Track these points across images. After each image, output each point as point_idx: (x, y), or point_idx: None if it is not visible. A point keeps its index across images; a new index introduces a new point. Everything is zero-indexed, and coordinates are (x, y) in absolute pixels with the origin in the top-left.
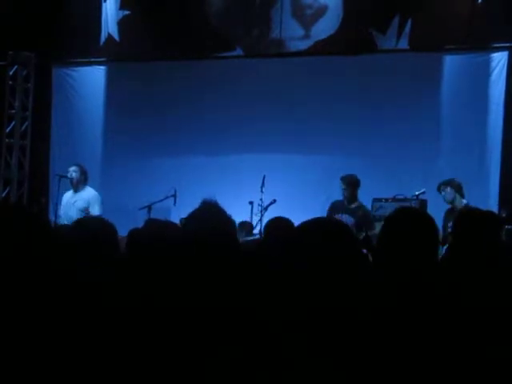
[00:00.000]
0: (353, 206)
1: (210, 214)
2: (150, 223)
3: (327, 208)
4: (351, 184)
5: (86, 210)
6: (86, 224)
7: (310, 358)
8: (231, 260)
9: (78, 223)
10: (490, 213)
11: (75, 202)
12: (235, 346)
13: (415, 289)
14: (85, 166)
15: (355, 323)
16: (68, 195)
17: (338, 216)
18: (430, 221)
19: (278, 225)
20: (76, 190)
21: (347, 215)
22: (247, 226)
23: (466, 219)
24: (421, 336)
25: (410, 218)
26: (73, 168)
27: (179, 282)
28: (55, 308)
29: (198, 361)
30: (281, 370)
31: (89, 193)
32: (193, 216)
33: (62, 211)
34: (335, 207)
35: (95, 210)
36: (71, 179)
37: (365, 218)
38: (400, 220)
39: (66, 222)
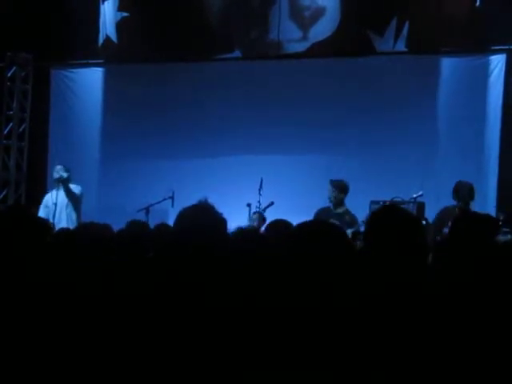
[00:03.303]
0: (339, 210)
1: (201, 213)
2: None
3: (313, 216)
4: (340, 189)
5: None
6: (86, 227)
7: (305, 356)
8: (219, 258)
9: (79, 227)
10: (488, 215)
11: (64, 199)
12: (230, 344)
13: (407, 288)
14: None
15: (347, 322)
16: (54, 195)
17: None
18: (416, 218)
19: (278, 226)
20: (59, 189)
21: (334, 220)
22: (262, 217)
23: (464, 221)
24: (413, 336)
25: (394, 215)
26: (59, 167)
27: (171, 281)
28: (53, 309)
29: (195, 360)
30: (278, 369)
31: (74, 188)
32: (183, 214)
33: (48, 211)
34: (321, 214)
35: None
36: (60, 178)
37: (352, 223)
38: (383, 217)
39: (56, 220)
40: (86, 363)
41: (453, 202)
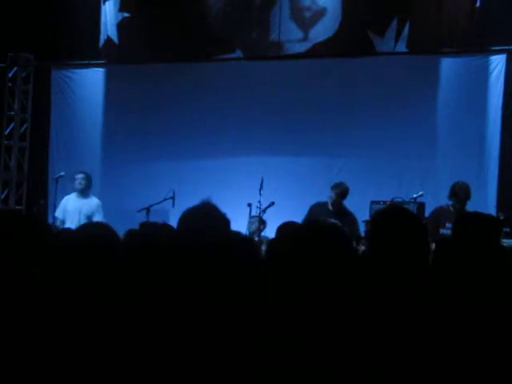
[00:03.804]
0: (337, 211)
1: (204, 212)
2: (145, 225)
3: (307, 211)
4: (342, 194)
5: (90, 216)
6: (88, 228)
7: (305, 356)
8: (222, 258)
9: (81, 227)
10: (491, 216)
11: (82, 208)
12: (233, 343)
13: (409, 288)
14: (89, 172)
15: (350, 321)
16: (72, 200)
17: None
18: (418, 219)
19: (287, 229)
20: (83, 197)
21: (335, 220)
22: (263, 221)
23: (467, 221)
24: (415, 336)
25: (397, 215)
26: (81, 176)
27: (175, 281)
28: (52, 309)
29: (197, 360)
30: (279, 369)
31: (94, 201)
32: (187, 214)
33: (65, 215)
34: (316, 209)
35: (99, 217)
36: (80, 187)
37: (353, 224)
38: (387, 216)
39: (70, 226)
40: (86, 363)
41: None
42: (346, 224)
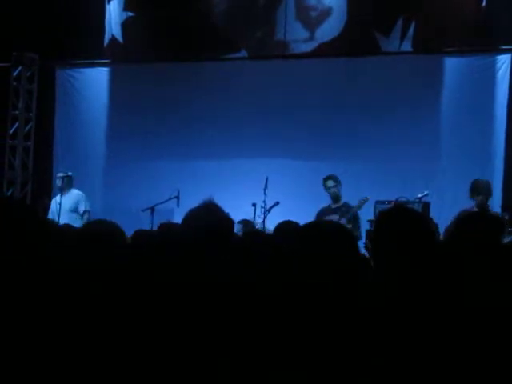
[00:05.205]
0: (337, 204)
1: (208, 212)
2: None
3: (315, 215)
4: (338, 181)
5: (74, 209)
6: (93, 226)
7: (308, 354)
8: (226, 257)
9: (85, 226)
10: (493, 215)
11: (65, 205)
12: (234, 344)
13: (414, 287)
14: (68, 172)
15: (354, 322)
16: (57, 200)
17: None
18: (423, 219)
19: (287, 228)
20: (63, 194)
21: (334, 215)
22: (248, 224)
23: (470, 221)
24: (418, 336)
25: (404, 214)
26: (59, 175)
27: (178, 280)
28: (51, 304)
29: (198, 359)
30: (279, 369)
31: (74, 193)
32: (191, 214)
33: (55, 217)
34: (323, 212)
35: (83, 207)
36: (59, 186)
37: (347, 211)
38: (394, 215)
39: None
40: (86, 362)
41: (469, 202)
42: (342, 212)
